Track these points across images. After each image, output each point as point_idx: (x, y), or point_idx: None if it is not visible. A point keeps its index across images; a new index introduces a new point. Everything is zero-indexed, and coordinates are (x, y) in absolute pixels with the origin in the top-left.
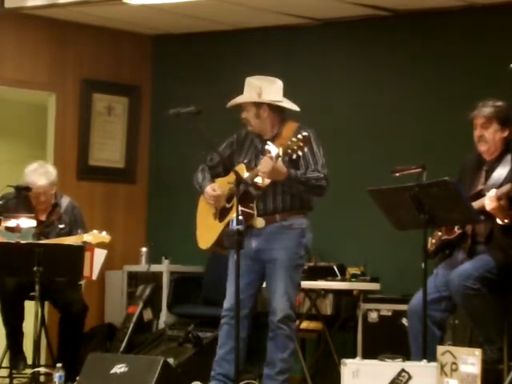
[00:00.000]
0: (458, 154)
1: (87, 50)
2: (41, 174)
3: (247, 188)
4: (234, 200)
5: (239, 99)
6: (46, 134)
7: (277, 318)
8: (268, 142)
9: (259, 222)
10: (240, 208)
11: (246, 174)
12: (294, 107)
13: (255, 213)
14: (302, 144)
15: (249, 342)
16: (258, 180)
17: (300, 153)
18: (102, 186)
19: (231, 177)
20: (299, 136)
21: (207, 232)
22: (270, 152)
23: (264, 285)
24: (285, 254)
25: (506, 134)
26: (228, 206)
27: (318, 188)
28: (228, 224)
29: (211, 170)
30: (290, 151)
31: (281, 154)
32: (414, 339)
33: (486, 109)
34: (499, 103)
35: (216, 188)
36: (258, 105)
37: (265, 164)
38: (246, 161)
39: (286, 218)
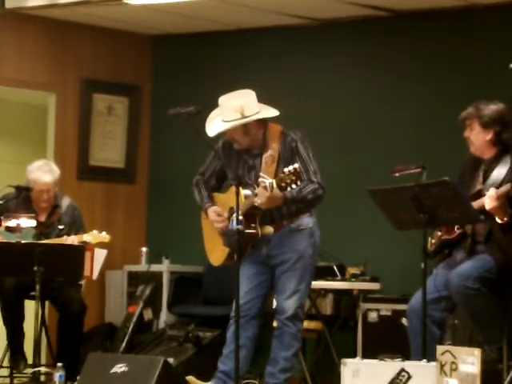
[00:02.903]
0: (457, 154)
1: (87, 50)
2: (46, 171)
3: (249, 211)
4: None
5: (224, 125)
6: (46, 134)
7: (285, 315)
8: (261, 174)
9: (268, 230)
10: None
11: (247, 191)
12: (275, 112)
13: (259, 232)
14: (294, 178)
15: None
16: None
17: (294, 186)
18: (102, 186)
19: (231, 192)
20: (291, 169)
21: (216, 248)
22: (264, 183)
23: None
24: (295, 254)
25: (489, 136)
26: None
27: (316, 199)
28: None
29: (206, 184)
30: (283, 185)
31: (274, 185)
32: (413, 339)
33: (470, 111)
34: (488, 106)
35: (219, 211)
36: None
37: (261, 195)
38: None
39: (293, 221)
